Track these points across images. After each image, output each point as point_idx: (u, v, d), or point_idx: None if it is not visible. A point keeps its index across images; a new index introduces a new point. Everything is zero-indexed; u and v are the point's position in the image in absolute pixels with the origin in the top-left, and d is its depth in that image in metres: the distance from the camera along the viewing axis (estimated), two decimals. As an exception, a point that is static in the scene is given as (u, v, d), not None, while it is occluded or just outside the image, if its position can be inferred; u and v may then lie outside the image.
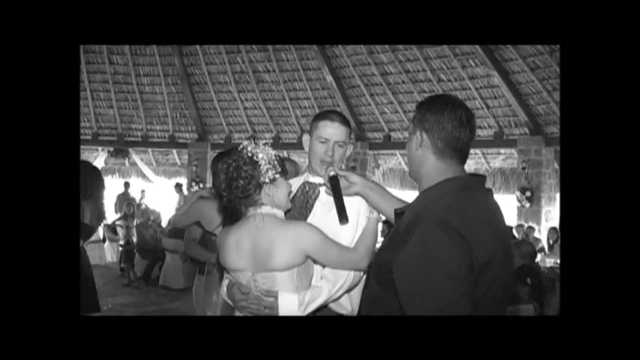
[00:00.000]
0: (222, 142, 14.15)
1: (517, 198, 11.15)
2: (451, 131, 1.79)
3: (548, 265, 7.75)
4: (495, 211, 1.83)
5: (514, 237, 9.02)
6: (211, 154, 13.91)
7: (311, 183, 2.53)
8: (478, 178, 1.89)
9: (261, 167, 2.21)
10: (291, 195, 2.40)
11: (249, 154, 2.22)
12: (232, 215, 2.35)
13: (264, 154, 2.23)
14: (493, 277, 1.67)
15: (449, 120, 1.79)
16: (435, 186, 1.81)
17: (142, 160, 14.83)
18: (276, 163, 2.25)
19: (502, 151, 12.02)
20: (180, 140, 14.55)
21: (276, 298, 2.19)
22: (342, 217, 2.26)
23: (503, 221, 1.87)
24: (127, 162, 14.69)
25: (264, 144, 2.29)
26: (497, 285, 1.70)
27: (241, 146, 2.27)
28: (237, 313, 2.33)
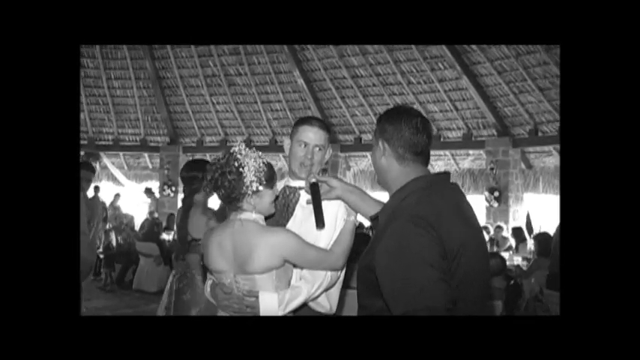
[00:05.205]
0: (194, 145, 14.11)
1: (485, 198, 11.36)
2: (409, 138, 1.94)
3: (515, 263, 7.89)
4: (463, 203, 1.95)
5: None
6: (183, 157, 13.84)
7: (291, 187, 2.60)
8: (442, 175, 2.02)
9: (245, 180, 2.20)
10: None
11: (237, 164, 2.20)
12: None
13: (253, 163, 2.22)
14: (466, 266, 1.77)
15: (406, 128, 1.94)
16: (403, 187, 1.94)
17: (113, 163, 14.68)
18: (262, 175, 2.23)
19: (471, 152, 12.21)
20: (152, 144, 14.43)
21: (257, 297, 2.25)
22: (319, 222, 2.34)
23: (472, 212, 1.98)
24: (98, 166, 14.54)
25: (255, 150, 2.27)
26: (472, 274, 1.80)
27: (232, 150, 2.25)
28: (221, 313, 2.39)
